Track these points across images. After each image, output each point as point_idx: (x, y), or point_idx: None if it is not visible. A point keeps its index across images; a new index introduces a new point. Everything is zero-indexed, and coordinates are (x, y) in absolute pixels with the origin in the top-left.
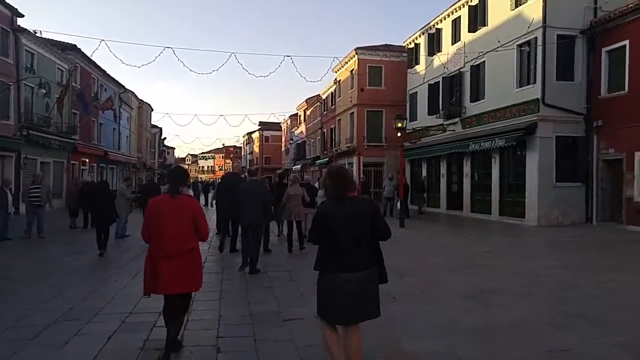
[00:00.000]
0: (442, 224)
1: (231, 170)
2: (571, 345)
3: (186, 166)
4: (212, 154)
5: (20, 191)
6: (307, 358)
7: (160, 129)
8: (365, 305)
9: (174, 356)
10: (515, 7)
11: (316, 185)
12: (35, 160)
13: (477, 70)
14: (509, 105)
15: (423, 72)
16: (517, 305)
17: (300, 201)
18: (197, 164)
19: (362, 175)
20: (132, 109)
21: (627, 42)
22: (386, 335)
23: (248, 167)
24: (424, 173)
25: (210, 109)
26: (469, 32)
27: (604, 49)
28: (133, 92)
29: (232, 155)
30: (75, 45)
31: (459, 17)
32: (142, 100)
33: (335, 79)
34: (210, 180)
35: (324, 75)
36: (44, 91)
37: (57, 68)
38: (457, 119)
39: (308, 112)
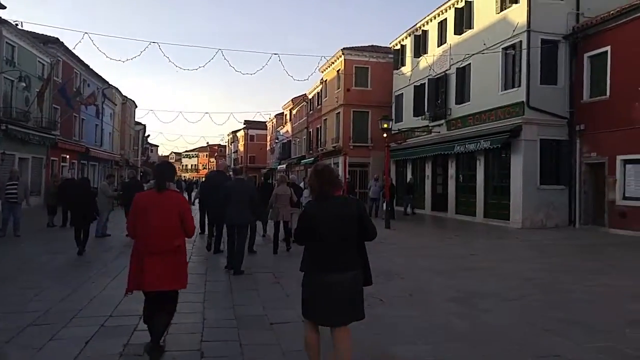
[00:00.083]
0: (427, 225)
1: (216, 168)
2: (561, 351)
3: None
4: (196, 153)
5: None
6: None
7: (144, 126)
8: (350, 306)
9: None
10: (501, 11)
11: (301, 185)
12: (13, 155)
13: (463, 73)
14: (494, 108)
15: (409, 73)
16: (505, 310)
17: (288, 201)
18: (181, 162)
19: (347, 176)
20: (116, 105)
21: (608, 48)
22: (374, 340)
23: (232, 165)
24: (409, 174)
25: (195, 107)
26: (455, 34)
27: (586, 54)
28: (117, 88)
29: (216, 154)
30: (57, 38)
31: (445, 19)
32: (126, 96)
33: (322, 79)
34: (194, 179)
35: (311, 74)
36: (24, 85)
37: (39, 61)
38: (442, 121)
39: (294, 112)
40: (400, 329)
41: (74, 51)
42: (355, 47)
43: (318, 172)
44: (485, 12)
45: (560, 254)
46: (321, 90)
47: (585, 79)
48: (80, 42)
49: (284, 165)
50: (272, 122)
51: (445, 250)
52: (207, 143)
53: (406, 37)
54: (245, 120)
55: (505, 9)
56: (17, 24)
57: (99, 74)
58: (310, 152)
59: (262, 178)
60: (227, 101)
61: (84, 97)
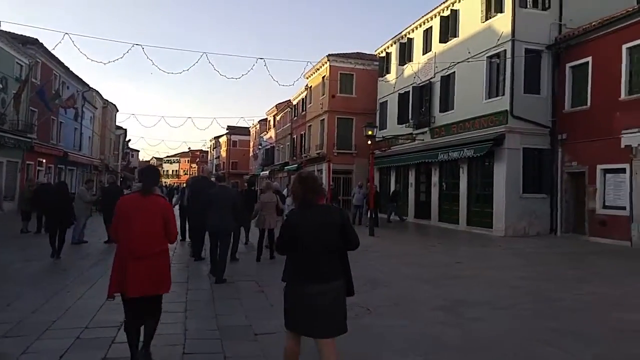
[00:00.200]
0: (410, 233)
1: (200, 173)
2: None
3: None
4: (178, 158)
5: None
6: None
7: (125, 130)
8: (333, 318)
9: None
10: (486, 20)
11: (284, 192)
12: None
13: (447, 81)
14: (478, 116)
15: (394, 81)
16: (494, 319)
17: (274, 209)
18: (162, 167)
19: (331, 183)
20: (96, 108)
21: (589, 58)
22: (364, 351)
23: (214, 171)
24: (393, 182)
25: (177, 111)
26: (440, 42)
27: (568, 65)
28: (97, 91)
29: (198, 159)
30: (37, 39)
31: (431, 27)
32: (107, 100)
33: (307, 85)
34: (175, 184)
35: (297, 79)
36: (0, 86)
37: (17, 62)
38: (426, 129)
39: (278, 118)
40: (389, 339)
41: (53, 52)
42: (341, 53)
43: (302, 179)
44: (470, 21)
45: (544, 262)
46: (306, 96)
47: (567, 89)
48: (60, 42)
49: (267, 172)
50: (256, 128)
51: (429, 258)
52: (189, 148)
53: (391, 45)
54: (228, 126)
55: (490, 18)
56: None
57: (79, 76)
58: (294, 158)
59: (246, 184)
60: (211, 106)
61: (62, 100)
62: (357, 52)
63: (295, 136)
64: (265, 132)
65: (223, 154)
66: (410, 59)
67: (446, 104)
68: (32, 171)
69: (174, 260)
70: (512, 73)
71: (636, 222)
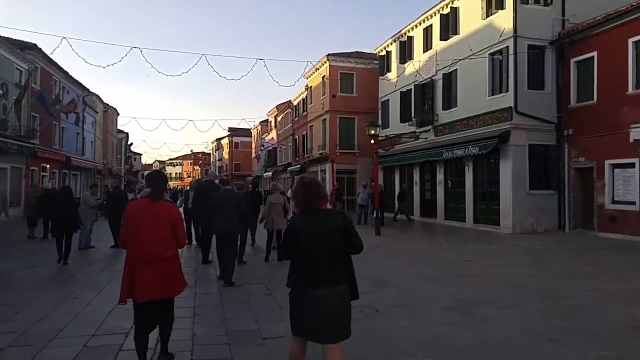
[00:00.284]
0: (416, 231)
1: (204, 176)
2: None
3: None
4: (180, 161)
5: None
6: None
7: (127, 134)
8: (337, 322)
9: None
10: (487, 17)
11: (288, 194)
12: None
13: (449, 78)
14: (482, 114)
15: (395, 79)
16: (505, 319)
17: (282, 210)
18: (165, 170)
19: (335, 183)
20: (97, 112)
21: (594, 53)
22: (373, 353)
23: (217, 174)
24: (397, 180)
25: (179, 114)
26: (440, 40)
27: (572, 60)
28: (98, 95)
29: (200, 161)
30: (35, 44)
31: (431, 25)
32: (107, 104)
33: (307, 85)
34: (178, 187)
35: (297, 80)
36: (0, 92)
37: (16, 68)
38: (429, 127)
39: (279, 118)
40: (399, 341)
41: (52, 57)
42: (340, 53)
43: (304, 184)
44: (471, 18)
45: (553, 259)
46: (306, 96)
47: (572, 84)
48: (58, 47)
49: (270, 173)
50: (257, 129)
51: (436, 257)
52: (191, 151)
53: (391, 43)
54: (229, 128)
55: (491, 14)
56: None
57: (79, 81)
58: (297, 159)
59: (251, 186)
60: (211, 108)
61: (63, 105)
62: (357, 51)
63: (297, 137)
64: (266, 133)
65: (225, 155)
66: (411, 57)
67: (449, 102)
68: (36, 177)
69: (181, 263)
70: (515, 69)
71: None
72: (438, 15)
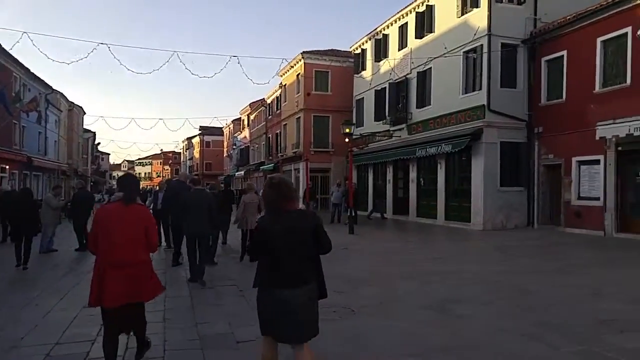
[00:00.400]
0: (389, 229)
1: (174, 176)
2: (546, 357)
3: (121, 173)
4: (150, 160)
5: None
6: None
7: (94, 133)
8: (304, 323)
9: None
10: (462, 15)
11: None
12: None
13: (424, 77)
14: (455, 112)
15: (370, 77)
16: (480, 316)
17: (256, 209)
18: (134, 170)
19: (309, 182)
20: (61, 111)
21: (564, 52)
22: (351, 354)
23: (188, 174)
24: (371, 179)
25: (149, 113)
26: (415, 38)
27: (543, 59)
28: (62, 94)
29: (170, 161)
30: None
31: (406, 23)
32: (72, 102)
33: (281, 83)
34: (148, 187)
35: (272, 77)
36: None
37: None
38: (403, 125)
39: (252, 117)
40: (376, 340)
41: (11, 53)
42: (315, 50)
43: (274, 185)
44: (446, 16)
45: (523, 255)
46: (280, 94)
47: (542, 82)
48: (18, 42)
49: (242, 172)
50: (229, 128)
51: (410, 255)
52: (161, 150)
53: (367, 41)
54: (200, 126)
55: (466, 13)
56: None
57: (42, 78)
58: (270, 157)
59: (222, 185)
60: (182, 107)
61: (24, 103)
62: (332, 49)
63: (270, 135)
64: (239, 132)
65: (196, 155)
66: (386, 55)
67: (423, 100)
68: None
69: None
70: (489, 68)
71: (609, 212)
72: (414, 13)
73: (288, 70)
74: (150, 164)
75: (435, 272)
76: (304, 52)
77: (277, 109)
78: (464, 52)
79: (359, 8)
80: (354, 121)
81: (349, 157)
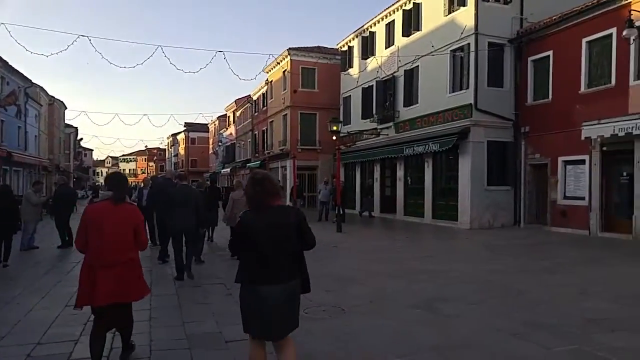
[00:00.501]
0: (377, 228)
1: (159, 172)
2: (534, 357)
3: (106, 169)
4: (134, 157)
5: None
6: None
7: (76, 128)
8: (286, 319)
9: None
10: (449, 14)
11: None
12: None
13: (411, 75)
14: (442, 110)
15: (357, 75)
16: (470, 315)
17: (245, 206)
18: (118, 166)
19: (296, 180)
20: (42, 105)
21: (550, 52)
22: (339, 353)
23: (174, 170)
24: (358, 177)
25: (133, 108)
26: (403, 36)
27: (529, 58)
28: (42, 87)
29: (155, 157)
30: None
31: (393, 21)
32: (53, 96)
33: (267, 80)
34: (132, 183)
35: (259, 73)
36: None
37: None
38: (390, 124)
39: (238, 113)
40: (367, 340)
41: None
42: (302, 47)
43: (257, 180)
44: (433, 14)
45: (511, 254)
46: (267, 91)
47: (529, 82)
48: None
49: (228, 169)
50: (215, 125)
51: (398, 253)
52: (146, 147)
53: (353, 39)
54: (185, 123)
55: (453, 11)
56: None
57: (21, 71)
58: (256, 155)
59: (208, 182)
60: (167, 102)
61: (2, 97)
62: (319, 46)
63: (256, 132)
64: (225, 129)
65: (181, 151)
66: (373, 53)
67: (410, 99)
68: None
69: None
70: (476, 67)
71: (594, 212)
72: (400, 11)
73: (274, 67)
74: (135, 160)
75: (423, 271)
76: (290, 48)
77: (264, 106)
78: (451, 50)
79: (346, 5)
80: (341, 119)
81: (336, 155)
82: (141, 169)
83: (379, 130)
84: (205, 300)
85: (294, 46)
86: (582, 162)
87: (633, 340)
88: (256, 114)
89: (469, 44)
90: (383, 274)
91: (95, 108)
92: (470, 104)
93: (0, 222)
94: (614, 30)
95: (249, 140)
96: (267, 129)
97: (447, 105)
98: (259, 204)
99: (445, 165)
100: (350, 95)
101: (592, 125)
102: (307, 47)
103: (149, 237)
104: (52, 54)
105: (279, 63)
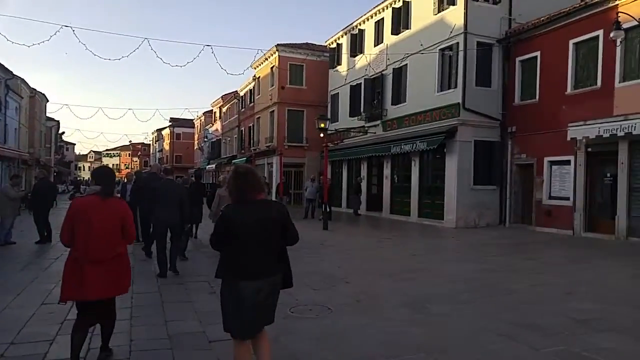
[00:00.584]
0: (363, 226)
1: (144, 168)
2: (527, 358)
3: (89, 164)
4: (118, 152)
5: None
6: None
7: (58, 122)
8: (264, 315)
9: None
10: (438, 12)
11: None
12: None
13: (399, 73)
14: (430, 109)
15: (345, 72)
16: (459, 315)
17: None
18: (101, 161)
19: (282, 176)
20: (22, 98)
21: (538, 53)
22: (328, 355)
23: (157, 164)
24: (345, 175)
25: (117, 102)
26: (392, 34)
27: (517, 59)
28: (23, 79)
29: (139, 153)
30: None
31: (382, 19)
32: (34, 89)
33: (255, 76)
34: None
35: (247, 68)
36: None
37: None
38: (378, 122)
39: (224, 109)
40: (354, 340)
41: None
42: (290, 43)
43: (240, 174)
44: (422, 12)
45: (497, 253)
46: (254, 87)
47: (517, 82)
48: None
49: (214, 165)
50: (201, 120)
51: (385, 251)
52: (130, 141)
53: (342, 36)
54: (171, 118)
55: (443, 10)
56: None
57: (2, 62)
58: (243, 151)
59: (193, 177)
60: (153, 97)
61: None
62: (307, 43)
63: (243, 128)
64: (210, 125)
65: (166, 147)
66: (361, 51)
67: (398, 97)
68: None
69: None
70: (465, 66)
71: (578, 212)
72: (390, 9)
73: (262, 63)
74: (119, 155)
75: (411, 270)
76: (278, 44)
77: (251, 102)
78: (440, 49)
79: (335, 2)
80: (329, 116)
81: (323, 153)
82: (125, 164)
83: (366, 128)
84: (189, 299)
85: (282, 42)
86: (568, 162)
87: (620, 341)
88: (243, 110)
89: (457, 43)
90: (370, 273)
91: (78, 101)
92: (458, 103)
93: None
94: (600, 33)
95: (235, 136)
96: (253, 125)
97: (435, 104)
98: (241, 197)
99: (432, 164)
100: (338, 93)
101: (577, 126)
102: (296, 44)
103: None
104: (33, 44)
105: (267, 59)
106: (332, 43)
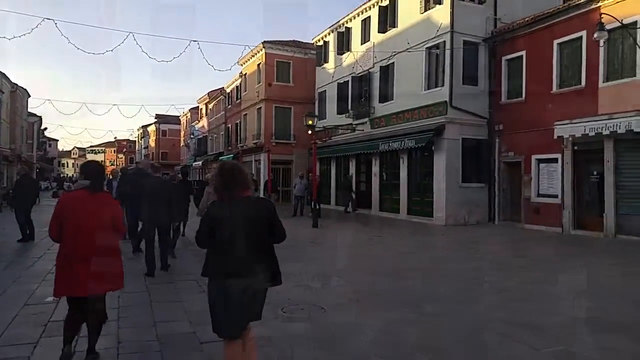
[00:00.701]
0: (353, 223)
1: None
2: (527, 358)
3: (72, 160)
4: (103, 148)
5: None
6: None
7: (40, 117)
8: (252, 312)
9: None
10: (425, 11)
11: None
12: None
13: (386, 71)
14: (417, 107)
15: (332, 70)
16: (453, 314)
17: None
18: (85, 158)
19: (270, 174)
20: (3, 93)
21: (523, 52)
22: (320, 355)
23: (146, 160)
24: (334, 172)
25: (102, 97)
26: (378, 32)
27: (503, 58)
28: (4, 74)
29: (125, 149)
30: None
31: (369, 17)
32: (15, 83)
33: (241, 72)
34: None
35: (233, 65)
36: None
37: None
38: (366, 119)
39: (210, 106)
40: (349, 341)
41: None
42: (277, 40)
43: (225, 170)
44: (409, 11)
45: (488, 251)
46: (240, 83)
47: (503, 81)
48: None
49: (200, 162)
50: (187, 117)
51: (376, 249)
52: (115, 138)
53: (329, 34)
54: (157, 114)
55: (429, 9)
56: None
57: None
58: (229, 148)
59: (180, 175)
60: (138, 93)
61: None
62: (294, 40)
63: (229, 125)
64: (197, 121)
65: (152, 143)
66: (348, 49)
67: (386, 95)
68: None
69: None
70: (451, 64)
71: (566, 210)
72: (377, 7)
73: (249, 60)
74: (103, 152)
75: (405, 268)
76: (265, 41)
77: (237, 99)
78: (426, 48)
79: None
80: (317, 113)
81: (312, 150)
82: (110, 161)
83: (354, 126)
84: (178, 298)
85: (269, 39)
86: (555, 160)
87: (617, 340)
88: (229, 106)
89: (444, 41)
90: (362, 271)
91: (61, 97)
92: (446, 101)
93: None
94: (584, 34)
95: (222, 133)
96: (240, 122)
97: (422, 102)
98: (227, 194)
99: (421, 161)
100: (325, 90)
101: (564, 124)
102: (283, 41)
103: None
104: (14, 37)
105: (254, 56)
106: (319, 40)
